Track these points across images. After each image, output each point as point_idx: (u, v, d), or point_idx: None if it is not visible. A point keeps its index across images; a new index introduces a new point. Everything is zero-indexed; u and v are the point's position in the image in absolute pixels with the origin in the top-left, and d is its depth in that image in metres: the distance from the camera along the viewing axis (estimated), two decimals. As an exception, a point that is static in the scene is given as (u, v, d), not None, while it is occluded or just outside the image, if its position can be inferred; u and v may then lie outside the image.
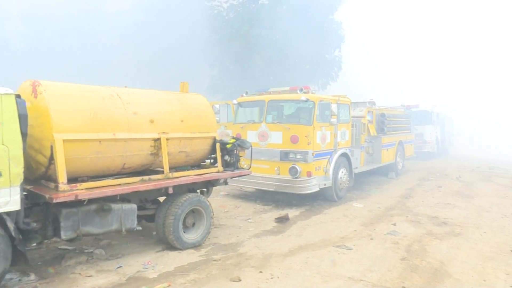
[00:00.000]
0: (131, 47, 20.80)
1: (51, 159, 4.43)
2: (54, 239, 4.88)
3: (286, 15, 18.77)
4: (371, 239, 6.48)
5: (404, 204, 9.39)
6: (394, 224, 7.42)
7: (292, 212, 8.36)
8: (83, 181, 4.83)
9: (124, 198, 5.20)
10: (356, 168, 10.63)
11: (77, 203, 4.55)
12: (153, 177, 5.41)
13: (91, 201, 4.68)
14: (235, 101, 10.03)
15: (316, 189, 8.64)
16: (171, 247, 5.71)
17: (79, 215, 4.57)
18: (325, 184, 8.91)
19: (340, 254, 5.70)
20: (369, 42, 35.88)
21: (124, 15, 21.18)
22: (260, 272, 4.94)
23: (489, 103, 37.49)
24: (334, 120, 8.79)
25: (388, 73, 36.84)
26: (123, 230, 5.00)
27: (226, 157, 6.64)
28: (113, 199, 4.96)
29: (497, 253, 5.92)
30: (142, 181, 5.28)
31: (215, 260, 5.35)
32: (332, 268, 5.12)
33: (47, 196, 4.26)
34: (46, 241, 5.02)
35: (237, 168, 6.68)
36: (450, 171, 15.45)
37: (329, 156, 9.12)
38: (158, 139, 5.42)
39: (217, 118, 9.15)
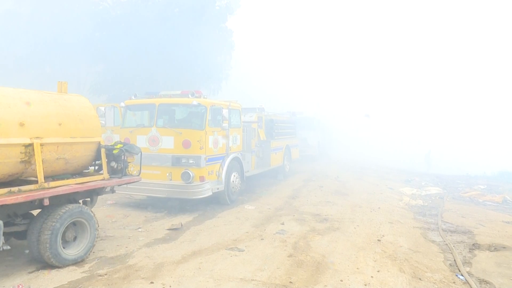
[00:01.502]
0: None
1: None
2: None
3: (178, 18, 18.48)
4: (262, 239, 6.76)
5: (291, 204, 10.05)
6: (283, 224, 7.87)
7: (185, 218, 8.24)
8: None
9: (-14, 214, 4.46)
10: (248, 171, 11.00)
11: None
12: (24, 188, 4.75)
13: None
14: (122, 104, 9.47)
15: (209, 193, 8.67)
16: (48, 265, 5.08)
17: None
18: (218, 188, 9.00)
19: (232, 256, 5.80)
20: (259, 50, 37.59)
21: None
22: (151, 283, 4.73)
23: (367, 110, 42.54)
24: (225, 125, 8.96)
25: (275, 81, 39.08)
26: (-15, 251, 4.28)
27: (113, 164, 6.20)
28: (-30, 215, 4.21)
29: (367, 243, 6.75)
30: (10, 193, 4.59)
31: (100, 276, 4.94)
32: (225, 271, 5.18)
33: None
34: None
35: (125, 175, 6.29)
36: (330, 172, 17.08)
37: (221, 161, 9.24)
38: (30, 145, 4.79)
39: (103, 122, 8.51)
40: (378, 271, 5.40)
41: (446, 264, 6.04)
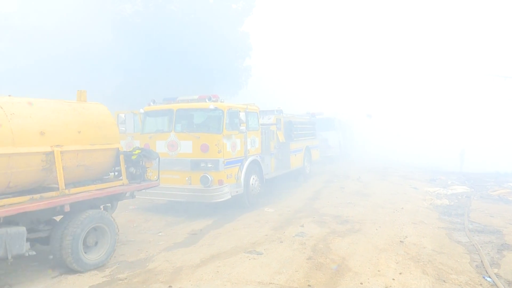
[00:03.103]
0: (22, 53, 18.70)
1: None
2: None
3: (195, 24, 18.72)
4: (281, 242, 6.70)
5: (311, 206, 9.94)
6: (302, 226, 7.79)
7: (205, 222, 8.29)
8: (-45, 204, 4.17)
9: (11, 221, 4.61)
10: (267, 174, 10.95)
11: None
12: (45, 194, 4.90)
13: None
14: (141, 110, 9.64)
15: (228, 196, 8.69)
16: (70, 270, 5.21)
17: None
18: (237, 192, 9.01)
19: (251, 259, 5.78)
20: (276, 52, 37.53)
21: (10, 18, 18.96)
22: (170, 286, 4.78)
23: (384, 111, 41.84)
24: (243, 128, 8.96)
25: (292, 83, 38.88)
26: (9, 257, 4.42)
27: (132, 169, 6.33)
28: (-5, 222, 4.37)
29: (389, 245, 6.58)
30: (32, 200, 4.74)
31: (120, 280, 5.03)
32: (243, 274, 5.16)
33: None
34: None
35: (144, 180, 6.40)
36: (351, 173, 16.81)
37: (240, 164, 9.25)
38: (51, 153, 4.94)
39: (123, 128, 8.71)
40: (400, 274, 5.26)
41: (472, 266, 5.81)
